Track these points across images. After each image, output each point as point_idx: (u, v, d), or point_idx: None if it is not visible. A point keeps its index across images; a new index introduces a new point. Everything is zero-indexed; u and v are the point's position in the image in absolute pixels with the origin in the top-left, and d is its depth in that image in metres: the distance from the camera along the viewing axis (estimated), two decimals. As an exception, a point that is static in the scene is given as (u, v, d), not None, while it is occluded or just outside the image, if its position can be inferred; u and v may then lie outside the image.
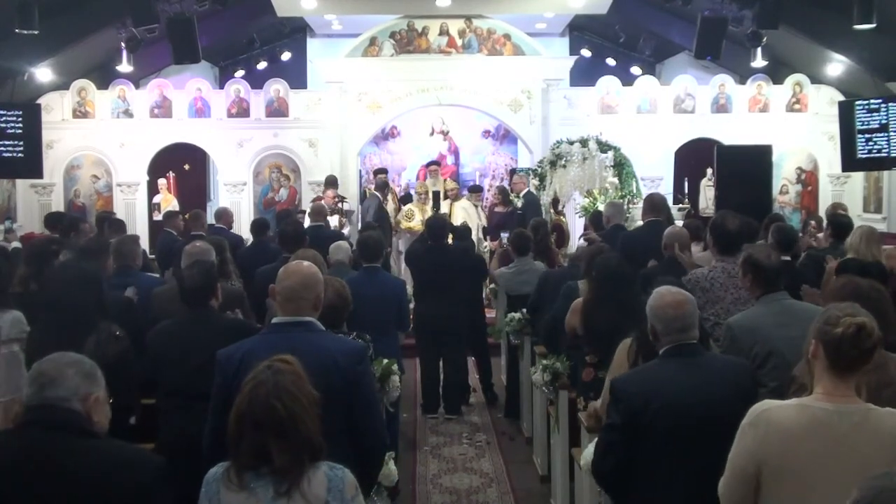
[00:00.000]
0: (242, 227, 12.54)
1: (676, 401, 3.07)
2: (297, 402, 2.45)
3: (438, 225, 7.76)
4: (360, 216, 12.71)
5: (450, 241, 8.40)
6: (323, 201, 10.93)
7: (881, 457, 2.44)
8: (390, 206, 12.08)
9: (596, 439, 3.84)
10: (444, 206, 11.56)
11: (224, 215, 9.59)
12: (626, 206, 10.76)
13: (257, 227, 8.25)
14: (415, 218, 11.70)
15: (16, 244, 8.11)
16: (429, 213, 11.55)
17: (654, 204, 7.33)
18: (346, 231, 10.79)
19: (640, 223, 7.97)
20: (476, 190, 12.55)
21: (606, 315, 4.65)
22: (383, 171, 13.36)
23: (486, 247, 10.90)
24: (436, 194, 11.68)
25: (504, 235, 9.99)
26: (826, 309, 2.65)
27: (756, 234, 5.95)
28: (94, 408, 2.50)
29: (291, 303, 3.24)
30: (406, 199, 12.87)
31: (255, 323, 4.91)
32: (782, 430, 2.51)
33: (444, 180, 12.69)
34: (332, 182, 11.89)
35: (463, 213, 11.48)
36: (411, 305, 7.39)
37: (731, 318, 4.02)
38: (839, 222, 6.69)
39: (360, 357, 3.25)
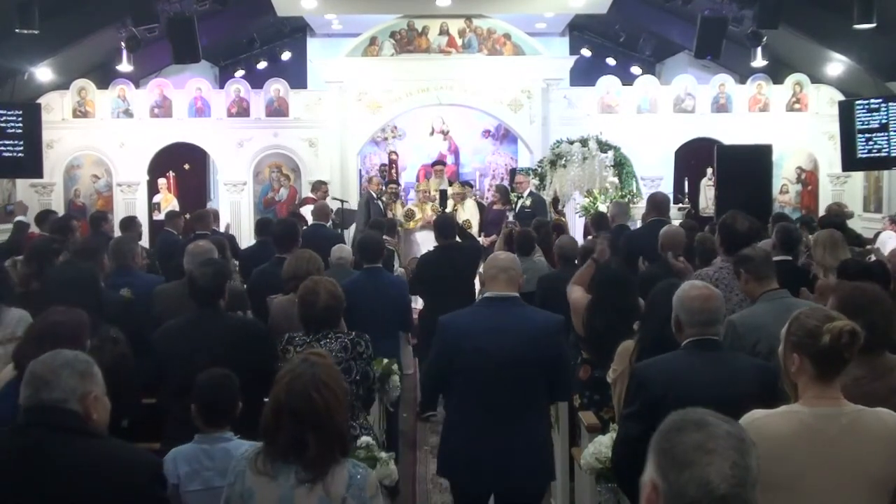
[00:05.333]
0: (243, 227, 12.59)
1: (695, 395, 3.02)
2: (332, 394, 2.50)
3: (447, 223, 7.71)
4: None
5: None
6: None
7: (875, 457, 2.43)
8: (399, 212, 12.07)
9: (596, 438, 3.86)
10: (448, 208, 11.54)
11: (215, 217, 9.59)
12: (626, 206, 10.77)
13: (261, 227, 8.24)
14: (415, 216, 11.70)
15: (21, 218, 8.11)
16: (429, 212, 11.54)
17: (657, 203, 7.31)
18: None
19: (641, 223, 7.98)
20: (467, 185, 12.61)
21: (605, 318, 4.67)
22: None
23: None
24: (442, 192, 11.65)
25: (509, 214, 9.95)
26: (794, 319, 2.59)
27: (760, 235, 5.93)
28: (94, 405, 2.50)
29: (505, 280, 3.83)
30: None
31: (260, 322, 4.91)
32: (772, 439, 2.47)
33: (452, 183, 12.69)
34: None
35: (469, 214, 11.45)
36: (417, 305, 7.35)
37: (733, 316, 4.02)
38: (830, 223, 6.63)
39: (559, 328, 3.89)
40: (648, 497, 1.63)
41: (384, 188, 12.44)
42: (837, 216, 8.63)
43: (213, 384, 3.40)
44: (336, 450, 2.50)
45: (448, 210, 11.20)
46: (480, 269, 4.08)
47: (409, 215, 11.79)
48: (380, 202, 11.44)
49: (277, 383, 2.55)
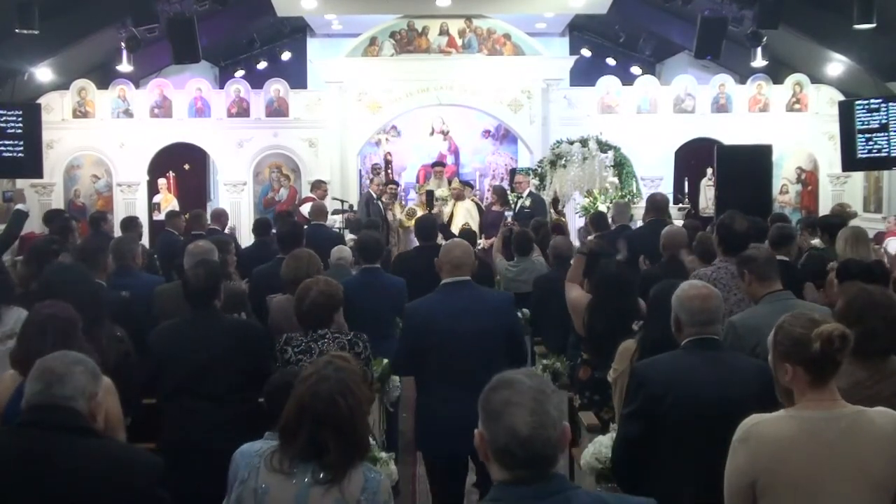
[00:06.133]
0: (243, 228, 12.58)
1: (695, 394, 3.04)
2: (357, 400, 2.50)
3: (428, 225, 7.70)
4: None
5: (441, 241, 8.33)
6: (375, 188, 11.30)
7: (876, 458, 2.42)
8: (398, 212, 12.07)
9: (596, 438, 3.85)
10: (448, 206, 11.53)
11: (220, 217, 9.57)
12: (626, 206, 10.76)
13: (259, 227, 8.24)
14: (416, 214, 11.70)
15: (20, 207, 7.98)
16: (418, 212, 11.53)
17: (657, 204, 7.31)
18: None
19: (641, 223, 7.97)
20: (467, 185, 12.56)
21: (605, 319, 4.66)
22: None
23: (480, 244, 10.87)
24: (429, 193, 11.62)
25: (508, 214, 9.94)
26: (779, 328, 2.57)
27: (765, 234, 5.93)
28: (98, 407, 2.52)
29: (458, 269, 4.35)
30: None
31: (258, 322, 4.90)
32: (772, 443, 2.47)
33: (451, 180, 12.67)
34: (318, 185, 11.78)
35: (465, 213, 11.43)
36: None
37: (734, 317, 4.01)
38: (830, 223, 6.67)
39: (511, 302, 4.60)
40: (478, 445, 1.99)
41: (384, 188, 12.44)
42: (838, 216, 8.60)
43: (280, 384, 3.38)
44: (356, 455, 2.50)
45: (443, 210, 11.19)
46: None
47: (411, 214, 11.79)
48: (380, 203, 11.43)
49: (301, 384, 2.52)
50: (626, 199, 10.88)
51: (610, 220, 8.04)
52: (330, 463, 2.45)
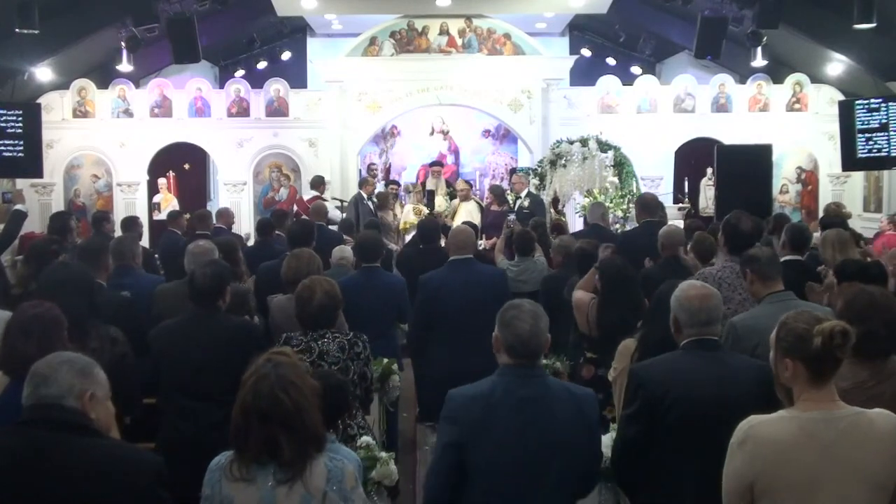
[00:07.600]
0: (242, 227, 12.59)
1: (694, 394, 3.04)
2: (301, 393, 2.48)
3: (430, 227, 7.71)
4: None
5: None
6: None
7: (875, 458, 2.42)
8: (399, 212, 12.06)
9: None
10: (452, 206, 11.53)
11: (224, 215, 9.58)
12: (626, 206, 10.75)
13: (262, 226, 8.25)
14: (411, 216, 11.71)
15: (19, 207, 7.95)
16: (424, 211, 11.53)
17: (647, 204, 7.30)
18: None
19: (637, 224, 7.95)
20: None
21: (614, 315, 4.66)
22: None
23: (481, 245, 10.85)
24: (430, 193, 11.61)
25: (511, 217, 9.94)
26: (782, 325, 2.58)
27: (762, 234, 5.90)
28: (91, 405, 2.50)
29: (463, 248, 5.53)
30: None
31: (258, 323, 4.90)
32: (770, 444, 2.47)
33: (451, 182, 12.65)
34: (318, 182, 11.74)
35: (467, 214, 11.41)
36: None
37: (734, 318, 4.01)
38: (832, 225, 6.57)
39: (504, 276, 5.91)
40: (495, 344, 2.98)
41: (387, 188, 12.43)
42: (837, 216, 8.59)
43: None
44: (311, 448, 2.48)
45: (444, 210, 11.19)
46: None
47: (418, 213, 11.79)
48: (370, 203, 11.38)
49: (243, 386, 2.51)
50: (626, 198, 10.88)
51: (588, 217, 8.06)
52: (286, 460, 2.43)
